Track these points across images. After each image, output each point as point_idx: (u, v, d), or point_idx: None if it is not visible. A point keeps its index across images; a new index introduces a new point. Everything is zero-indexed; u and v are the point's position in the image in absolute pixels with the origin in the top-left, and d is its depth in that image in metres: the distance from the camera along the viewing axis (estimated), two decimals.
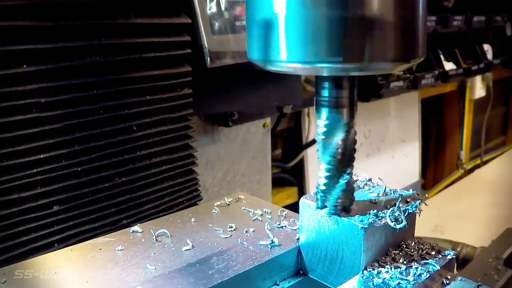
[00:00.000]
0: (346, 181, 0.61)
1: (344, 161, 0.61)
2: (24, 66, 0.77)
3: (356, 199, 0.65)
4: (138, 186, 0.97)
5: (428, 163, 3.26)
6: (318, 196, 0.63)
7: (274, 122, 1.71)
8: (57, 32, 0.80)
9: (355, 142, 0.61)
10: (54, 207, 0.85)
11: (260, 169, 1.53)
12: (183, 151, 1.05)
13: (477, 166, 3.23)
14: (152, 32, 0.93)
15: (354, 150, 0.62)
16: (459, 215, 2.01)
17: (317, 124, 0.61)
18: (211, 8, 1.04)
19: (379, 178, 0.73)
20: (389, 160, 2.55)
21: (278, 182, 1.88)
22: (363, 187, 0.72)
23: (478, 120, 3.31)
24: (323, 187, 0.62)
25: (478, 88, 3.11)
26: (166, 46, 0.96)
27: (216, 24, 1.05)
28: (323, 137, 0.60)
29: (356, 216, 0.62)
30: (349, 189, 0.62)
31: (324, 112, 0.59)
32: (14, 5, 0.75)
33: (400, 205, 0.63)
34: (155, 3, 0.93)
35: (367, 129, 2.35)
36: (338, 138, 0.59)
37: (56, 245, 0.86)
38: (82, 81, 0.84)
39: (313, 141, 1.92)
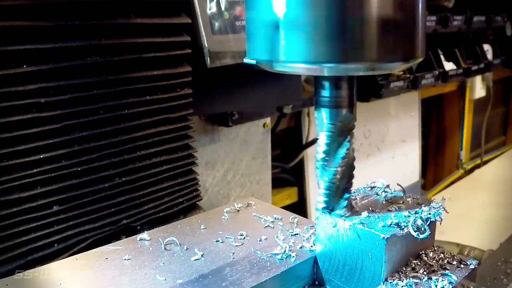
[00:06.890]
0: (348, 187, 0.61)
1: (345, 175, 0.60)
2: (24, 66, 0.77)
3: (374, 206, 0.63)
4: (138, 186, 0.97)
5: (428, 163, 3.25)
6: (321, 199, 0.63)
7: (274, 122, 1.71)
8: (57, 32, 0.80)
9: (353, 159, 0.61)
10: (54, 207, 0.85)
11: (260, 169, 1.53)
12: (183, 151, 1.05)
13: (477, 166, 3.23)
14: (152, 32, 0.93)
15: (353, 168, 0.62)
16: (459, 215, 2.01)
17: (316, 149, 0.61)
18: (211, 8, 1.04)
19: (398, 184, 0.70)
20: (389, 160, 2.55)
21: (278, 182, 1.87)
22: (381, 193, 0.69)
23: (478, 120, 3.30)
24: (323, 191, 0.62)
25: (478, 88, 3.11)
26: (166, 46, 0.96)
27: (216, 24, 1.05)
28: (324, 155, 0.60)
29: (377, 225, 0.59)
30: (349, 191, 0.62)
31: (324, 113, 0.59)
32: (13, 5, 0.75)
33: (423, 214, 0.59)
34: (155, 3, 0.93)
35: (367, 129, 2.34)
36: (340, 153, 0.59)
37: (56, 245, 0.86)
38: (82, 81, 0.84)
39: (313, 141, 1.92)
